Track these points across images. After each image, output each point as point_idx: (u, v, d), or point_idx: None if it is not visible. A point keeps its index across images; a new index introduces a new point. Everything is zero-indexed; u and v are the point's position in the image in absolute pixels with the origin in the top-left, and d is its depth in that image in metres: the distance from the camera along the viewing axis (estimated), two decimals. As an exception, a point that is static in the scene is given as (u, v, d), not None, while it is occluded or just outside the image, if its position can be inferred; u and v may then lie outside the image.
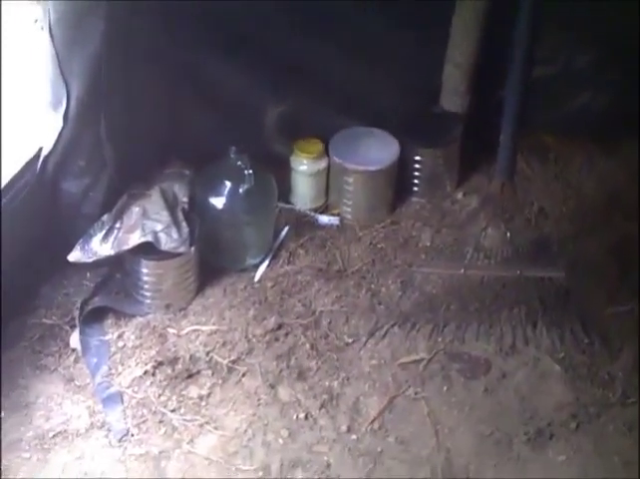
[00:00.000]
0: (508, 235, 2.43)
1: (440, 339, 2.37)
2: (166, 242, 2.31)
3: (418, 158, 2.73)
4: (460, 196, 2.79)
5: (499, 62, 2.42)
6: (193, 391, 2.22)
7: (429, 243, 2.63)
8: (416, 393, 2.25)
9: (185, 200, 2.42)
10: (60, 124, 2.24)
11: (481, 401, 2.25)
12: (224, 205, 2.43)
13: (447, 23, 2.67)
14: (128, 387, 2.21)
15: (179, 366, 2.25)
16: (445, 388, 2.27)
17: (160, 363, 2.25)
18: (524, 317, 2.40)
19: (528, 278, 2.43)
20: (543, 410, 2.22)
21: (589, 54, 2.78)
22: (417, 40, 2.63)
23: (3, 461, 2.05)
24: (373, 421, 2.19)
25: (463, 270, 2.43)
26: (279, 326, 2.36)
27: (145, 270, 2.35)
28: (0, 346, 2.24)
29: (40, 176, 2.30)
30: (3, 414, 2.13)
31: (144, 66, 2.32)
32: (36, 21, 3.04)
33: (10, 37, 2.91)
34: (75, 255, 2.31)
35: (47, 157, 2.29)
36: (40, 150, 2.31)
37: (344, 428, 2.17)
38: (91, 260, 2.31)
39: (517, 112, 2.35)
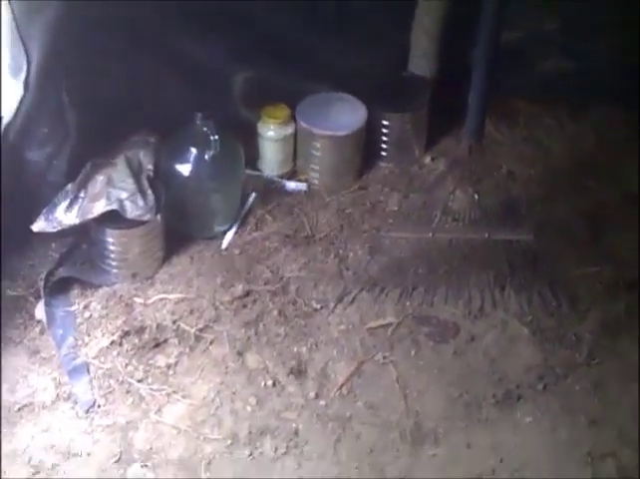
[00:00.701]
0: (476, 197, 2.42)
1: (408, 303, 2.37)
2: (132, 210, 2.29)
3: (385, 122, 2.71)
4: (427, 160, 2.77)
5: (468, 24, 2.41)
6: (161, 360, 2.20)
7: (396, 208, 2.62)
8: (384, 358, 2.25)
9: (151, 167, 2.40)
10: (21, 91, 2.20)
11: (450, 364, 2.25)
12: (190, 171, 2.41)
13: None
14: (94, 358, 2.20)
15: (146, 336, 2.24)
16: (413, 352, 2.27)
17: (127, 333, 2.23)
18: (493, 280, 2.40)
19: (497, 241, 2.43)
20: (512, 372, 2.22)
21: (557, 17, 2.77)
22: (385, 4, 2.61)
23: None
24: (341, 386, 2.19)
25: (431, 234, 2.43)
26: (247, 293, 2.35)
27: (110, 239, 2.33)
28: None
29: (2, 144, 2.27)
30: (-33, 387, 2.12)
31: (105, 32, 2.28)
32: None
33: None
34: (39, 225, 2.28)
35: (8, 125, 2.26)
36: (0, 118, 2.28)
37: (312, 394, 2.17)
38: (55, 230, 2.29)
39: (486, 75, 2.34)
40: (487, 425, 2.13)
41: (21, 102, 2.21)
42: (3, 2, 2.07)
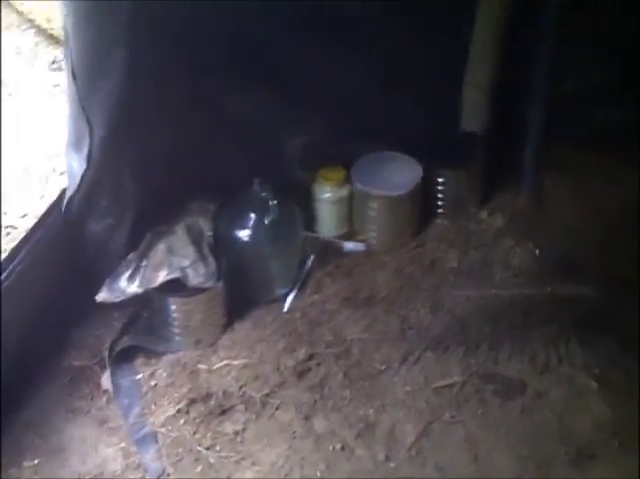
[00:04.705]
0: (537, 252, 2.41)
1: (473, 361, 2.34)
2: (194, 278, 2.30)
3: (441, 179, 2.72)
4: (484, 215, 2.76)
5: (520, 77, 2.41)
6: (228, 427, 2.20)
7: (456, 265, 2.60)
8: (452, 417, 2.23)
9: (211, 234, 2.41)
10: (83, 164, 2.23)
11: (519, 422, 2.21)
12: (250, 237, 2.42)
13: (465, 40, 2.63)
14: (162, 426, 2.20)
15: (213, 402, 2.23)
16: (480, 411, 2.24)
17: (193, 400, 2.23)
18: (556, 335, 2.37)
19: (559, 296, 2.41)
20: (582, 429, 2.18)
21: (612, 68, 2.75)
22: (435, 62, 2.62)
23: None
24: (410, 448, 2.17)
25: (493, 291, 2.42)
26: (310, 357, 2.34)
27: (173, 307, 2.34)
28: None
29: (65, 216, 2.31)
30: (39, 461, 2.12)
31: (163, 99, 2.30)
32: (53, 62, 3.11)
33: (27, 81, 3.00)
34: (102, 296, 2.30)
35: (71, 197, 2.29)
36: (64, 191, 2.31)
37: (382, 457, 2.15)
38: (118, 300, 2.30)
39: (541, 128, 2.35)
40: (562, 485, 2.10)
41: (83, 175, 2.24)
42: (69, 77, 2.10)
